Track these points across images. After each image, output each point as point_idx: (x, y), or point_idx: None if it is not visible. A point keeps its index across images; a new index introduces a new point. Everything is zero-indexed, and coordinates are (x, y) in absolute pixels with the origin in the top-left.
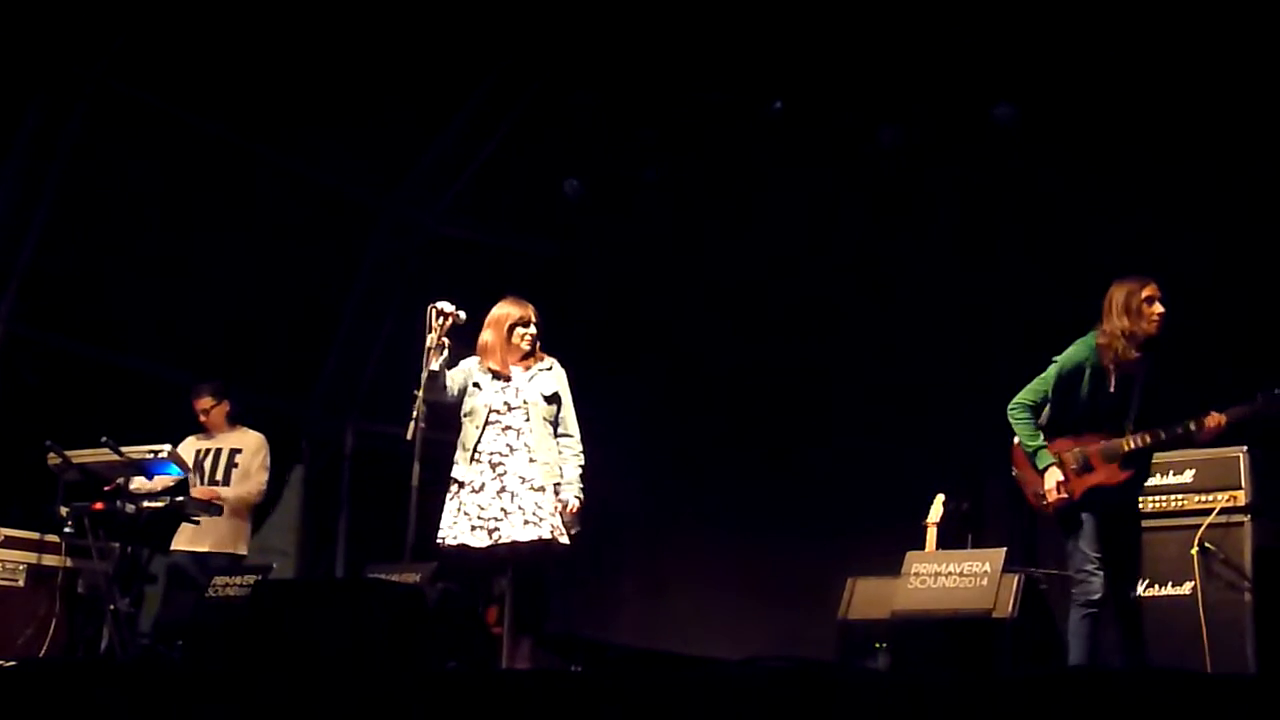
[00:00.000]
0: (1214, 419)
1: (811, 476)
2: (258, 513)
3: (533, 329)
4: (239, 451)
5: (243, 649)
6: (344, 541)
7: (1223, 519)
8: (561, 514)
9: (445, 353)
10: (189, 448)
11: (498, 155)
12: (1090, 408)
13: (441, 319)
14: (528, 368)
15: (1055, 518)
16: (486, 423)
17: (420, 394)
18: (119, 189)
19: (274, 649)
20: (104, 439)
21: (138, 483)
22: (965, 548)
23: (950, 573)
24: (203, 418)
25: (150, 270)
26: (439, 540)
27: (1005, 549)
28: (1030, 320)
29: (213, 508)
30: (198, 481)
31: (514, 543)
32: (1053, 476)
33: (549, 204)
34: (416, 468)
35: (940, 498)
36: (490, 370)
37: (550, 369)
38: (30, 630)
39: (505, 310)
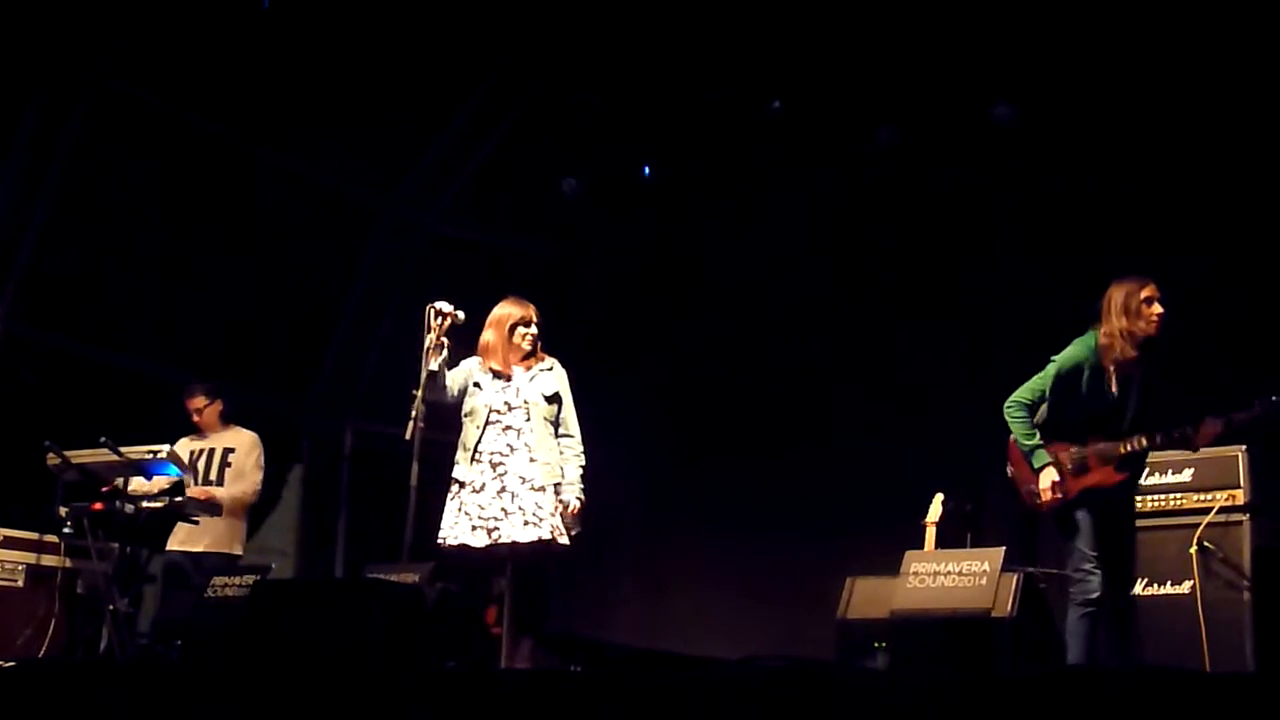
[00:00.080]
0: (1211, 426)
1: (811, 476)
2: (256, 512)
3: (534, 329)
4: (232, 451)
5: (242, 649)
6: (343, 541)
7: (1221, 518)
8: (562, 514)
9: (444, 352)
10: (183, 449)
11: (497, 155)
12: (1088, 408)
13: (440, 319)
14: (529, 368)
15: (1051, 517)
16: (487, 422)
17: (419, 394)
18: (118, 189)
19: (273, 649)
20: (103, 439)
21: (136, 483)
22: (964, 547)
23: (949, 572)
24: (196, 417)
25: (149, 270)
26: (440, 540)
27: (1004, 548)
28: (1030, 320)
29: (212, 508)
30: (192, 482)
31: (514, 543)
32: (1048, 476)
33: (548, 204)
34: (415, 467)
35: (939, 497)
36: (491, 370)
37: (551, 369)
38: (29, 630)
39: (506, 310)
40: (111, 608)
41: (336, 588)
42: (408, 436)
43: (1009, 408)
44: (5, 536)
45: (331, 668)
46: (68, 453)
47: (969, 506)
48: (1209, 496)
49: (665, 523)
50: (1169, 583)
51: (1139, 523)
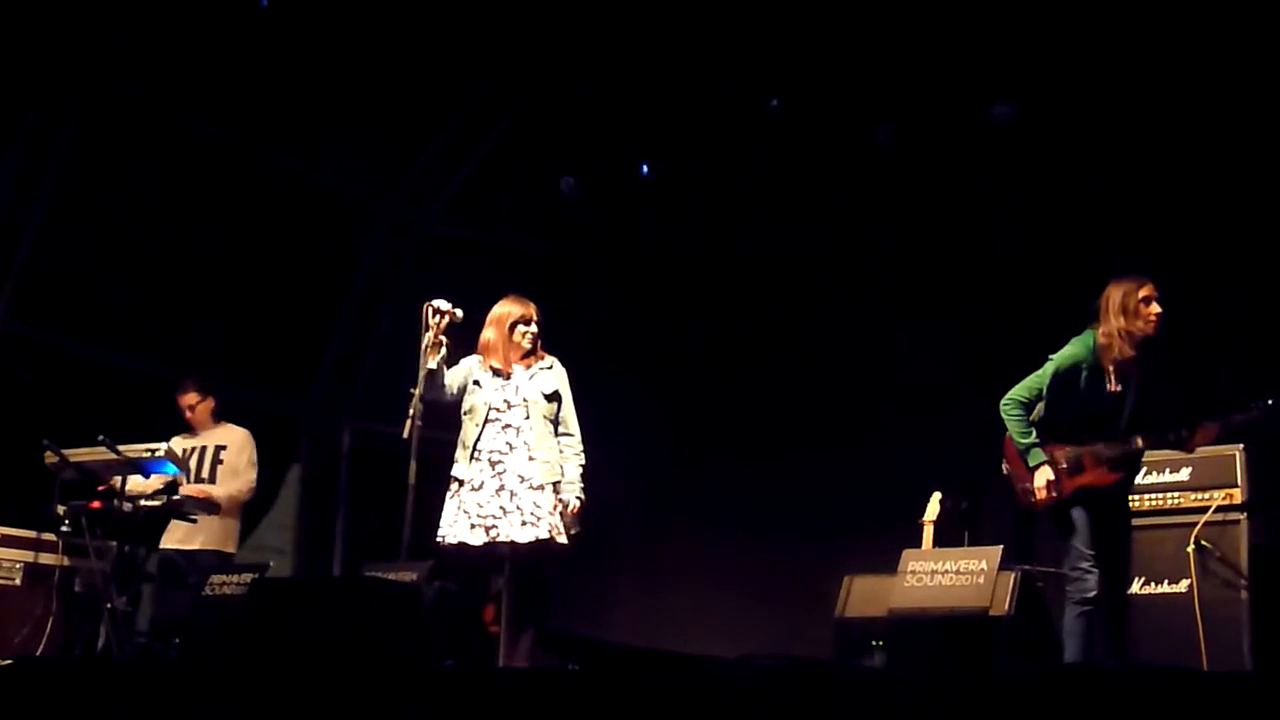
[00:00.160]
0: (1207, 429)
1: (809, 475)
2: (254, 511)
3: (534, 327)
4: (224, 448)
5: (240, 647)
6: (341, 540)
7: (1219, 517)
8: (562, 514)
9: (443, 351)
10: (175, 447)
11: (495, 154)
12: (1086, 407)
13: (438, 317)
14: (529, 366)
15: (1048, 516)
16: (486, 421)
17: (417, 392)
18: (116, 188)
19: (271, 648)
20: (101, 437)
21: (134, 482)
22: (962, 546)
23: (947, 571)
24: (189, 413)
25: (147, 269)
26: (439, 538)
27: (1002, 547)
28: (1029, 320)
29: (210, 506)
30: (184, 480)
31: (512, 542)
32: (1043, 475)
33: (545, 203)
34: (413, 466)
35: (937, 496)
36: (491, 368)
37: (551, 367)
38: (27, 629)
39: (507, 308)
40: (109, 606)
41: (334, 586)
42: (406, 435)
43: (1005, 405)
44: (3, 535)
45: (329, 666)
46: (65, 451)
47: (966, 505)
48: (1206, 495)
49: (664, 522)
50: (1166, 581)
51: (1136, 521)
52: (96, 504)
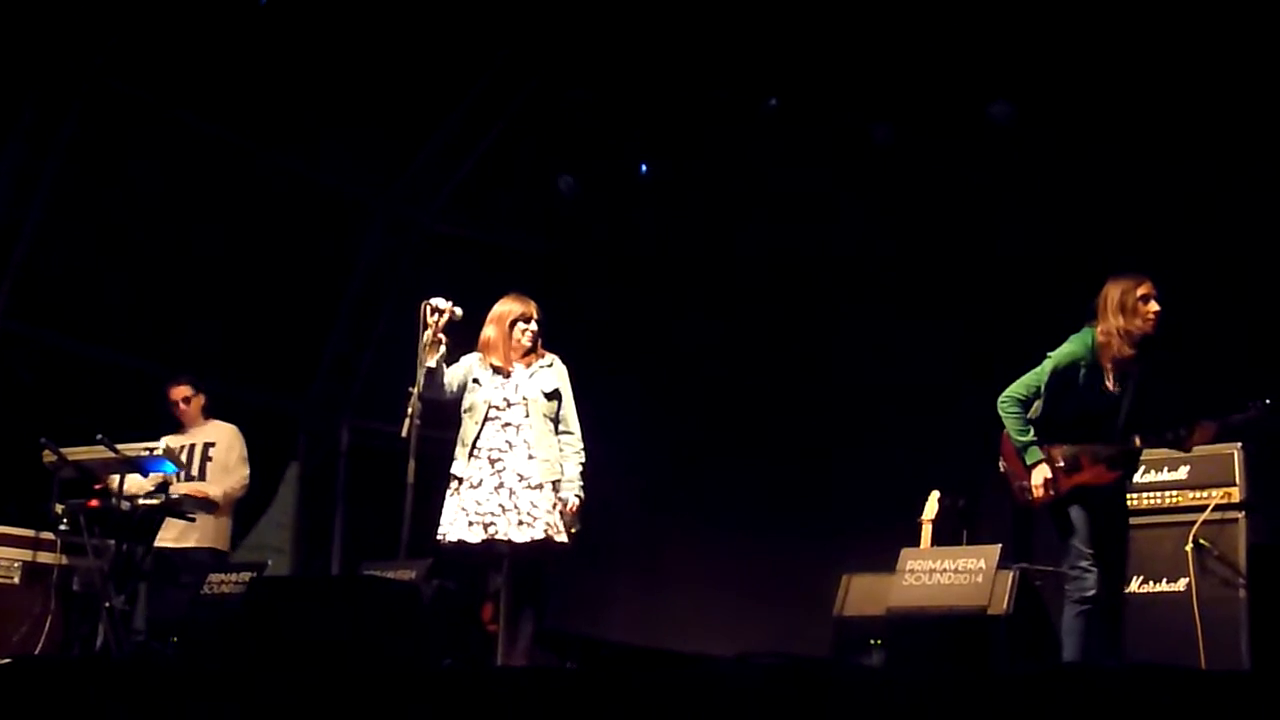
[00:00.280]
0: (1205, 429)
1: (808, 474)
2: (253, 509)
3: (534, 325)
4: (213, 445)
5: (238, 646)
6: (339, 538)
7: (1217, 515)
8: (561, 512)
9: (442, 349)
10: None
11: (493, 153)
12: (1084, 405)
13: (436, 315)
14: (529, 364)
15: (1048, 515)
16: (486, 419)
17: (416, 391)
18: (114, 186)
19: (269, 646)
20: (99, 436)
21: (132, 480)
22: (960, 544)
23: (945, 569)
24: (182, 406)
25: (145, 268)
26: (439, 536)
27: (1000, 546)
28: (1027, 319)
29: (207, 505)
30: (175, 479)
31: (510, 541)
32: (1041, 473)
33: (545, 202)
34: (412, 464)
35: (935, 494)
36: (491, 366)
37: (551, 365)
38: (25, 627)
39: (507, 306)
40: (107, 605)
41: (333, 585)
42: (404, 434)
43: (1003, 403)
44: (1, 533)
45: (328, 665)
46: (64, 450)
47: (964, 504)
48: (1205, 494)
49: (663, 521)
50: (1165, 580)
51: (1135, 520)
52: (95, 503)
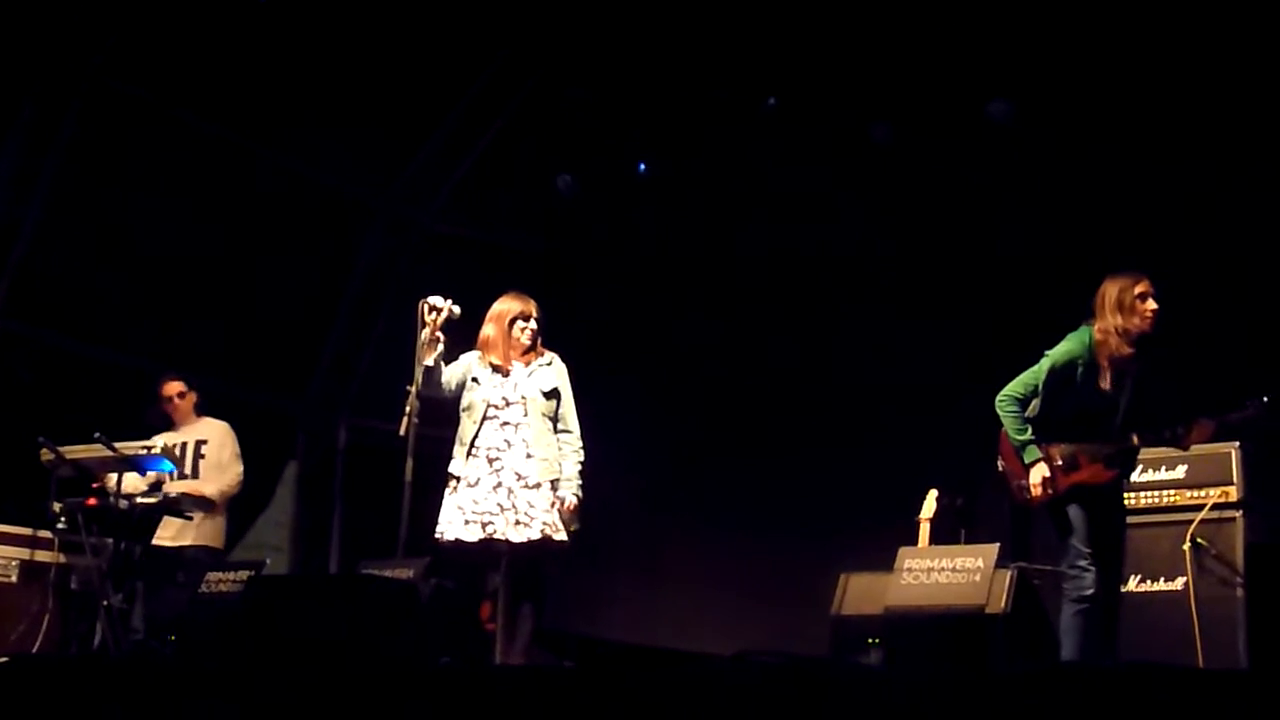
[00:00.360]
0: (1203, 427)
1: (806, 473)
2: (251, 508)
3: (534, 324)
4: (204, 443)
5: (236, 644)
6: (337, 537)
7: (1215, 514)
8: (560, 511)
9: (440, 347)
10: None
11: (492, 152)
12: (1081, 404)
13: (434, 314)
14: (528, 363)
15: (1046, 514)
16: (484, 418)
17: (413, 390)
18: (113, 185)
19: (267, 645)
20: (97, 435)
21: (130, 478)
22: (958, 543)
23: (943, 568)
24: (176, 401)
25: (144, 267)
26: (437, 535)
27: (998, 544)
28: (1027, 318)
29: (205, 504)
30: (169, 478)
31: (508, 540)
32: (1039, 472)
33: (544, 201)
34: (410, 463)
35: (933, 493)
36: (490, 365)
37: (550, 364)
38: (23, 626)
39: (506, 305)
40: (105, 603)
41: (331, 583)
42: (403, 432)
43: (1001, 402)
44: None
45: (326, 663)
46: (62, 448)
47: (962, 503)
48: (1202, 493)
49: (662, 520)
50: (1162, 579)
51: (1132, 519)
52: (92, 501)
